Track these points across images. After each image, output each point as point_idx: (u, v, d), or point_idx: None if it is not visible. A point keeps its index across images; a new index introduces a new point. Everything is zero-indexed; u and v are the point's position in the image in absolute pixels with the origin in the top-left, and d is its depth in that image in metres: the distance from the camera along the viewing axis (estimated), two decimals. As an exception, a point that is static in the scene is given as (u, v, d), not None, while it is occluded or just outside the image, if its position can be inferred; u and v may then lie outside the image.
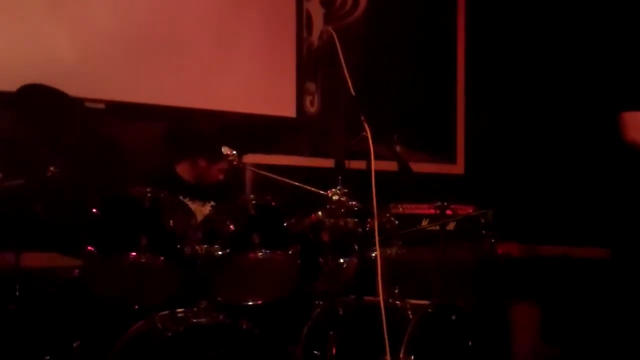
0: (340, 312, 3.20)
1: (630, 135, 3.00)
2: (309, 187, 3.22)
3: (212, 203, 3.67)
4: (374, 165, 2.86)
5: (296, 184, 3.22)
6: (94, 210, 2.88)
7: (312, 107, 4.93)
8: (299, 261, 3.10)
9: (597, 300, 3.17)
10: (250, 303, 3.06)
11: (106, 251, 2.86)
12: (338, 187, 3.15)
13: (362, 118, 2.96)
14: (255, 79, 4.62)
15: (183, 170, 3.75)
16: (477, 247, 3.79)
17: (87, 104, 3.87)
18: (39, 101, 3.15)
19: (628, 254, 3.09)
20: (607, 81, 3.20)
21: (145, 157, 3.97)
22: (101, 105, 4.06)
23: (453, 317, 3.23)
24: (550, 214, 5.11)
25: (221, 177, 3.69)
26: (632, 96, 3.04)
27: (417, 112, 5.22)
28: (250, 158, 4.26)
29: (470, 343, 3.25)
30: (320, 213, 3.22)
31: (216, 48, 4.48)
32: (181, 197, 3.25)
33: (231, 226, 2.97)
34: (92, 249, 2.85)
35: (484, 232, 3.70)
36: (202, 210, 3.62)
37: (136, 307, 2.94)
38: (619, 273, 3.11)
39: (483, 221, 3.66)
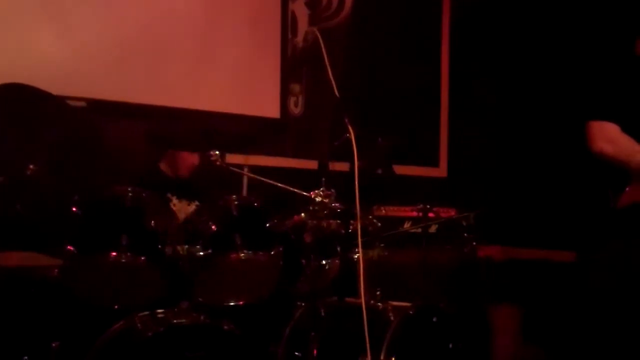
0: (322, 314, 3.19)
1: (597, 145, 3.01)
2: (292, 188, 3.22)
3: (197, 202, 3.66)
4: (357, 167, 2.85)
5: (279, 185, 3.21)
6: (75, 209, 2.86)
7: (297, 108, 4.93)
8: (281, 262, 3.10)
9: (576, 301, 3.20)
10: (231, 304, 3.05)
11: (86, 251, 2.84)
12: (321, 189, 3.15)
13: (346, 120, 2.96)
14: (240, 79, 4.62)
15: (166, 167, 3.75)
16: (459, 249, 3.80)
17: (69, 102, 3.84)
18: (19, 99, 3.13)
19: (591, 258, 3.12)
20: (578, 89, 3.22)
21: (129, 156, 3.95)
22: (83, 104, 4.04)
23: (434, 319, 3.24)
24: (531, 217, 5.14)
25: (193, 163, 3.68)
26: (599, 105, 3.05)
27: (401, 115, 5.22)
28: (234, 158, 4.25)
29: (451, 345, 3.25)
30: (303, 214, 3.21)
31: (201, 48, 4.47)
32: (168, 195, 3.24)
33: (213, 227, 2.96)
34: (73, 248, 2.83)
35: (465, 235, 3.71)
36: (187, 209, 3.61)
37: (116, 307, 2.92)
38: (583, 275, 3.14)
39: (465, 224, 3.68)
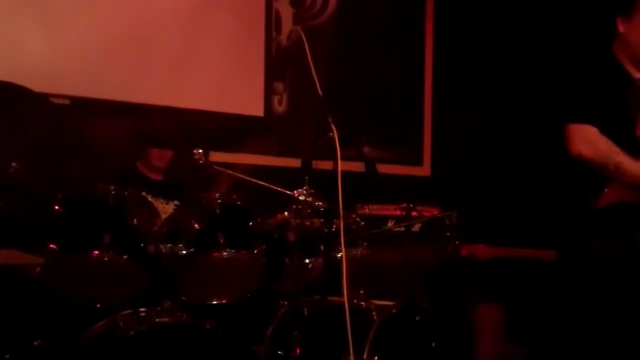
0: (305, 312, 3.19)
1: (575, 147, 3.03)
2: (275, 187, 3.22)
3: (176, 202, 3.66)
4: (340, 166, 2.86)
5: (262, 183, 3.21)
6: (57, 207, 2.85)
7: (280, 106, 4.92)
8: (264, 261, 3.10)
9: (557, 299, 3.22)
10: (214, 303, 3.04)
11: (69, 249, 2.84)
12: (304, 188, 3.15)
13: (330, 119, 2.96)
14: (224, 77, 4.61)
15: (142, 166, 3.74)
16: (442, 248, 3.81)
17: (52, 100, 3.83)
18: (1, 96, 3.11)
19: (570, 256, 3.15)
20: (558, 91, 3.23)
21: (110, 154, 3.93)
22: (66, 101, 4.02)
23: (417, 318, 3.24)
24: (514, 216, 5.17)
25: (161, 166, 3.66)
26: (578, 107, 3.07)
27: (385, 114, 5.24)
28: (218, 157, 4.25)
29: (434, 343, 3.26)
30: (286, 213, 3.21)
31: (184, 46, 4.46)
32: (144, 194, 3.23)
33: (196, 225, 2.95)
34: (55, 246, 2.82)
35: (448, 233, 3.72)
36: (165, 208, 3.60)
37: (98, 305, 2.91)
38: (563, 273, 3.17)
39: (448, 223, 3.69)
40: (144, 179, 3.73)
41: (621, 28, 3.15)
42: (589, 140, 3.01)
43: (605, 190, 3.00)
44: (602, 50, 3.22)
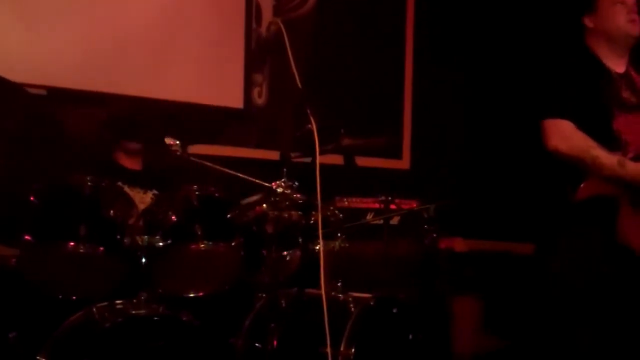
0: (283, 305, 3.19)
1: (552, 142, 3.05)
2: (253, 179, 3.21)
3: (154, 192, 3.63)
4: (318, 158, 2.85)
5: (240, 175, 3.20)
6: (32, 198, 2.83)
7: (260, 98, 4.91)
8: (242, 253, 3.09)
9: (534, 292, 3.25)
10: (191, 295, 3.03)
11: (44, 240, 2.81)
12: (283, 180, 3.14)
13: (308, 111, 2.95)
14: (203, 68, 4.59)
15: (120, 156, 3.72)
16: (420, 241, 3.82)
17: (28, 90, 3.79)
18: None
19: (548, 249, 3.17)
20: (534, 86, 3.26)
21: (87, 144, 3.91)
22: (43, 91, 3.98)
23: (394, 310, 3.25)
24: (492, 210, 5.20)
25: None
26: (553, 102, 3.09)
27: (364, 107, 5.24)
28: (196, 148, 4.22)
29: (411, 335, 3.27)
30: (264, 205, 3.20)
31: (163, 36, 4.43)
32: (120, 184, 3.21)
33: (173, 217, 2.93)
34: (30, 237, 2.79)
35: (426, 227, 3.73)
36: (143, 197, 3.57)
37: (74, 297, 2.89)
38: (541, 267, 3.20)
39: (426, 216, 3.69)
40: (121, 170, 3.70)
41: (590, 24, 3.21)
42: (565, 135, 3.03)
43: (583, 184, 3.02)
44: (577, 44, 3.25)
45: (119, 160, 3.76)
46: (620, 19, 3.15)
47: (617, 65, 3.21)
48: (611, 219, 3.03)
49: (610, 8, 3.16)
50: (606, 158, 3.00)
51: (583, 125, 3.03)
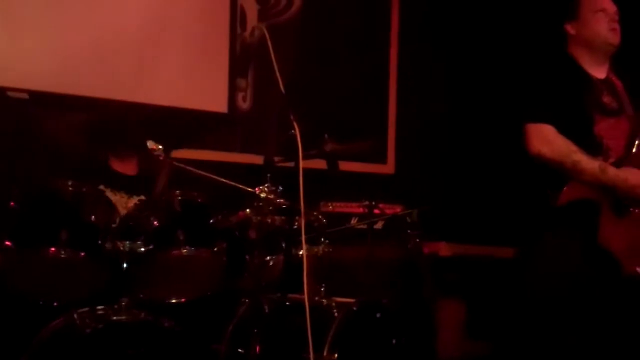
0: (266, 311, 3.18)
1: (534, 147, 3.06)
2: (236, 184, 3.20)
3: (140, 197, 3.61)
4: (302, 163, 2.85)
5: (223, 180, 3.19)
6: (13, 203, 2.81)
7: (245, 103, 4.90)
8: (225, 259, 3.08)
9: (516, 296, 3.26)
10: (173, 301, 3.02)
11: (25, 246, 2.79)
12: (266, 185, 3.14)
13: (292, 116, 2.95)
14: (187, 73, 4.57)
15: (115, 162, 3.70)
16: (403, 246, 3.83)
17: (10, 94, 3.77)
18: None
19: (529, 254, 3.18)
20: (516, 91, 3.28)
21: (71, 149, 3.89)
22: (25, 96, 3.96)
23: (378, 315, 3.25)
24: (476, 215, 5.22)
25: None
26: (535, 107, 3.10)
27: (349, 112, 5.24)
28: (181, 153, 4.20)
29: (394, 341, 3.27)
30: (248, 210, 3.20)
31: (148, 41, 4.41)
32: (102, 188, 3.19)
33: (155, 222, 2.92)
34: (11, 243, 2.78)
35: (409, 231, 3.74)
36: (127, 203, 3.56)
37: (55, 303, 2.87)
38: (522, 271, 3.21)
39: (409, 221, 3.71)
40: (113, 175, 3.67)
41: (571, 31, 3.23)
42: (547, 140, 3.04)
43: (565, 188, 3.04)
44: (559, 51, 3.27)
45: (112, 165, 3.73)
46: (601, 28, 3.18)
47: (599, 71, 3.23)
48: (592, 223, 3.04)
49: (592, 16, 3.19)
50: (588, 163, 3.02)
51: (565, 131, 3.05)
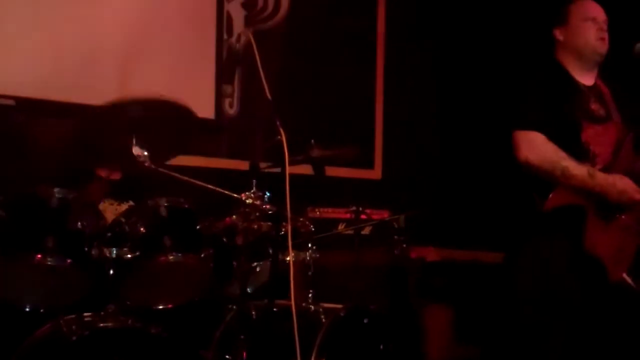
0: (253, 316, 3.18)
1: (522, 154, 3.07)
2: (222, 190, 3.19)
3: (130, 202, 3.59)
4: (288, 169, 2.86)
5: (209, 186, 3.18)
6: (-1, 210, 2.79)
7: (231, 109, 4.90)
8: (212, 264, 3.07)
9: (504, 301, 3.27)
10: (160, 307, 3.02)
11: (11, 253, 2.77)
12: (252, 191, 3.13)
13: (278, 122, 2.96)
14: (173, 78, 4.55)
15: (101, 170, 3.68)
16: (390, 251, 3.84)
17: (-4, 101, 3.76)
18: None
19: (516, 258, 3.20)
20: (505, 97, 3.29)
21: (57, 156, 3.87)
22: (11, 102, 3.94)
23: (365, 321, 3.25)
24: (463, 220, 5.23)
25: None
26: (524, 114, 3.11)
27: (336, 117, 5.24)
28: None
29: (382, 346, 3.27)
30: (234, 216, 3.19)
31: (133, 47, 4.40)
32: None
33: (142, 228, 2.92)
34: (-4, 250, 2.76)
35: (396, 237, 3.75)
36: (117, 209, 3.54)
37: (42, 310, 2.87)
38: (509, 275, 3.22)
39: (396, 226, 3.71)
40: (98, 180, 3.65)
41: (560, 37, 3.25)
42: (535, 147, 3.05)
43: (551, 194, 3.05)
44: (547, 57, 3.28)
45: (97, 171, 3.71)
46: (590, 36, 3.19)
47: (586, 78, 3.25)
48: (578, 229, 3.05)
49: (581, 24, 3.20)
50: (576, 169, 3.03)
51: (552, 137, 3.06)
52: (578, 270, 3.06)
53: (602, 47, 3.20)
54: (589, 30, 3.18)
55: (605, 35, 3.20)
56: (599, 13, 3.23)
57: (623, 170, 3.12)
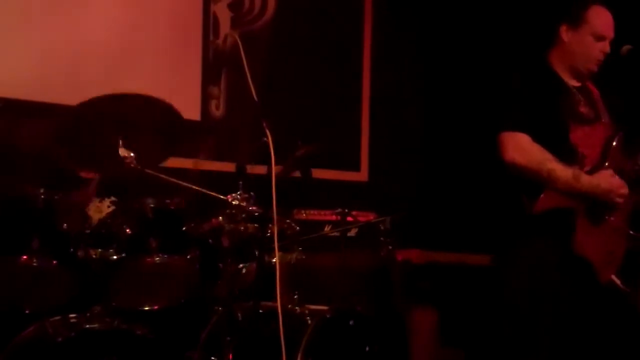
0: (239, 318, 3.18)
1: (509, 155, 3.05)
2: (207, 191, 3.19)
3: (112, 198, 3.57)
4: (274, 170, 2.86)
5: (195, 187, 3.18)
6: (-17, 211, 2.79)
7: (218, 110, 4.89)
8: (198, 266, 3.07)
9: (491, 303, 3.28)
10: (146, 308, 3.01)
11: (-4, 254, 2.77)
12: (238, 192, 3.14)
13: (264, 123, 2.96)
14: (159, 80, 4.54)
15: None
16: (376, 253, 3.84)
17: (-19, 101, 3.74)
18: None
19: (504, 261, 3.21)
20: (491, 99, 3.29)
21: (42, 157, 3.85)
22: (-2, 103, 3.93)
23: (351, 322, 3.26)
24: (449, 222, 5.24)
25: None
26: (510, 115, 3.11)
27: (322, 119, 5.25)
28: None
29: (367, 348, 3.28)
30: (220, 218, 3.19)
31: (119, 48, 4.39)
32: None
33: (127, 230, 2.92)
34: (-19, 251, 2.76)
35: (382, 239, 3.75)
36: (99, 206, 3.52)
37: (27, 311, 2.86)
38: (497, 278, 3.23)
39: (382, 228, 3.72)
40: (77, 179, 3.63)
41: (565, 37, 3.18)
42: (521, 148, 3.04)
43: (541, 196, 3.05)
44: (536, 57, 3.27)
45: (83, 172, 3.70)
46: (593, 56, 3.16)
47: (575, 80, 3.24)
48: (568, 232, 3.06)
49: (591, 39, 3.14)
50: (561, 171, 3.03)
51: (540, 138, 3.05)
52: (567, 273, 3.06)
53: (595, 67, 3.19)
54: (595, 50, 3.14)
55: (603, 58, 3.17)
56: (610, 32, 3.17)
57: (612, 170, 3.13)
